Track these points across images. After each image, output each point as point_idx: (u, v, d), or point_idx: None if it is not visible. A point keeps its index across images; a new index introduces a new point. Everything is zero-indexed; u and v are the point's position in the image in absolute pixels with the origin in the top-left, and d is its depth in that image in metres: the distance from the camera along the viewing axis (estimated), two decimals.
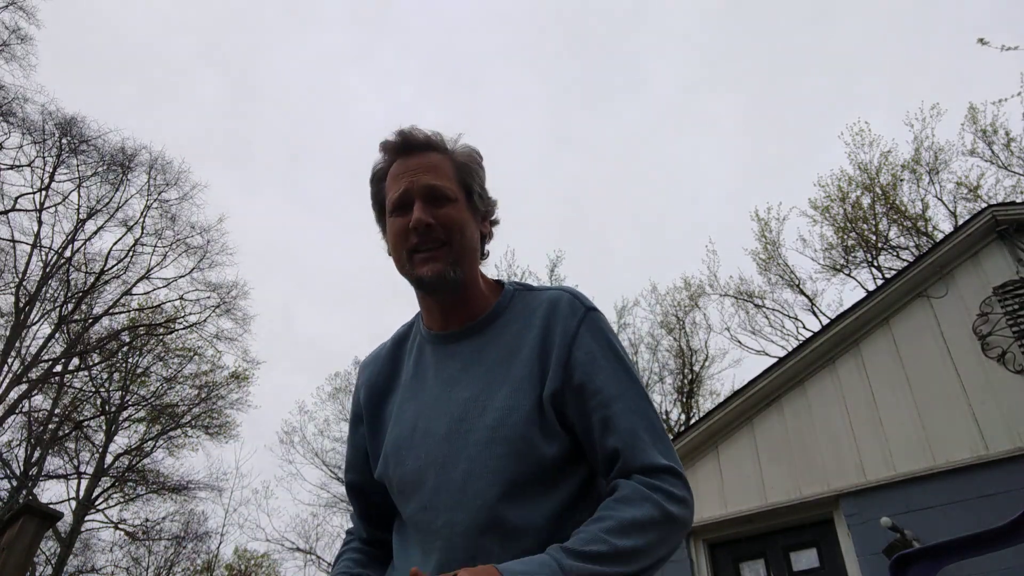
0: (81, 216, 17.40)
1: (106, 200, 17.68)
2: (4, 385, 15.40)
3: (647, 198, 32.63)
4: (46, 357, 16.65)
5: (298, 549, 19.50)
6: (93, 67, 29.47)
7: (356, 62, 37.80)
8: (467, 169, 1.20)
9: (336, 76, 37.34)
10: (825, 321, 14.99)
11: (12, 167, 16.11)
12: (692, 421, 15.64)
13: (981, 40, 7.90)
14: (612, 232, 31.67)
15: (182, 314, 18.51)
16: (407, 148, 1.17)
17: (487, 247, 1.25)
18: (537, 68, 35.28)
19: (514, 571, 0.87)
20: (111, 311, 17.82)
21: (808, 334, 15.55)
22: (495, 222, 1.26)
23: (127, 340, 17.81)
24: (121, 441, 17.81)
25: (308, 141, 35.83)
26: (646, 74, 34.61)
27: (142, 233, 18.07)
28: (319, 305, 34.89)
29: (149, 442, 18.13)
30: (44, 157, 16.62)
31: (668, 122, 34.59)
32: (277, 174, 34.15)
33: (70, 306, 17.07)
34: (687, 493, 1.02)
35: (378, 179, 1.21)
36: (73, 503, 16.29)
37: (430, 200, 1.12)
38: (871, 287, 15.52)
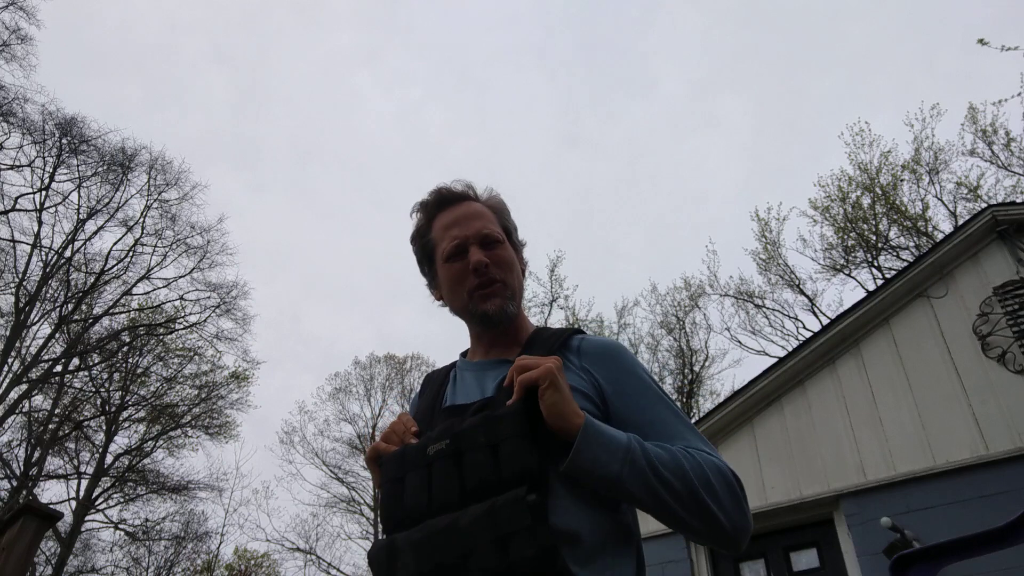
0: (81, 216, 17.41)
1: (106, 200, 17.69)
2: (4, 385, 15.39)
3: (654, 198, 32.68)
4: (46, 357, 16.65)
5: (298, 549, 19.50)
6: (101, 67, 29.53)
7: (365, 63, 37.83)
8: (504, 214, 1.33)
9: (345, 77, 37.41)
10: (825, 321, 15.02)
11: (12, 167, 16.11)
12: (692, 421, 15.56)
13: (981, 40, 7.91)
14: (618, 232, 31.72)
15: (182, 314, 18.52)
16: (449, 200, 1.29)
17: (524, 279, 1.36)
18: (546, 69, 35.31)
19: (595, 423, 0.97)
20: (111, 311, 17.82)
21: (808, 334, 15.57)
22: (525, 264, 1.38)
23: (127, 340, 17.81)
24: (121, 441, 17.83)
25: (317, 141, 35.89)
26: (655, 75, 34.64)
27: (142, 233, 18.08)
28: (326, 305, 34.96)
29: (149, 442, 18.13)
30: (44, 157, 16.62)
31: (676, 123, 34.63)
32: (285, 174, 34.22)
33: (70, 306, 17.07)
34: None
35: (421, 234, 1.31)
36: (73, 503, 16.29)
37: (484, 244, 1.23)
38: (871, 287, 15.54)
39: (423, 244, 1.30)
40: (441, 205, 1.28)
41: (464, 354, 1.34)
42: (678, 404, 1.15)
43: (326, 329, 34.27)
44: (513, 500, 0.89)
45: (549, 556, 0.86)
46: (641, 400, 1.10)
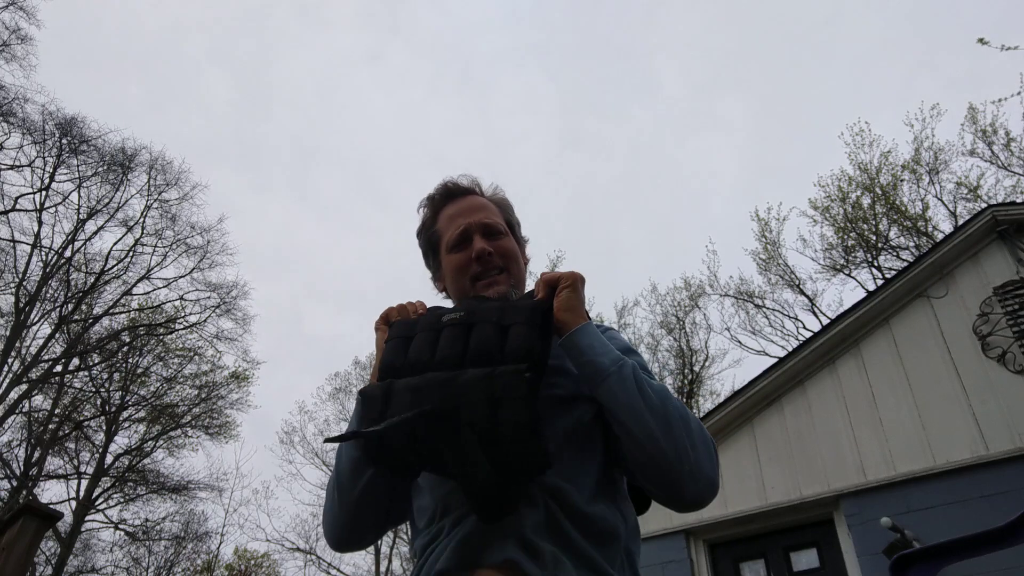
0: (81, 216, 17.42)
1: (106, 200, 17.69)
2: (4, 385, 15.40)
3: (655, 198, 32.69)
4: (46, 357, 16.65)
5: (298, 549, 19.48)
6: (103, 68, 29.54)
7: (367, 63, 37.83)
8: (508, 208, 1.37)
9: (347, 77, 37.40)
10: (825, 321, 15.01)
11: (12, 167, 16.11)
12: None
13: (981, 40, 7.90)
14: (619, 232, 31.72)
15: (182, 314, 18.53)
16: (454, 194, 1.33)
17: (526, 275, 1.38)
18: (547, 69, 35.31)
19: (592, 331, 1.06)
20: (111, 311, 17.83)
21: (808, 334, 15.56)
22: (527, 259, 1.39)
23: (127, 340, 17.81)
24: (121, 441, 17.83)
25: (318, 141, 35.90)
26: (656, 75, 34.65)
27: (142, 233, 18.09)
28: (327, 306, 34.98)
29: (149, 442, 18.13)
30: (44, 157, 16.62)
31: (677, 123, 34.64)
32: (287, 175, 34.24)
33: (70, 306, 17.07)
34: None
35: (427, 227, 1.34)
36: (73, 503, 16.29)
37: (487, 234, 1.26)
38: (871, 287, 15.54)
39: (428, 236, 1.33)
40: (447, 198, 1.32)
41: None
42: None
43: (328, 329, 34.33)
44: (512, 370, 0.93)
45: (532, 429, 0.90)
46: None
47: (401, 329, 1.08)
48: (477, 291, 1.23)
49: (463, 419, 0.90)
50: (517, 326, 1.01)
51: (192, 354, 18.68)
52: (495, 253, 1.24)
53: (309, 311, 34.67)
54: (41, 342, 16.60)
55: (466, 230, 1.25)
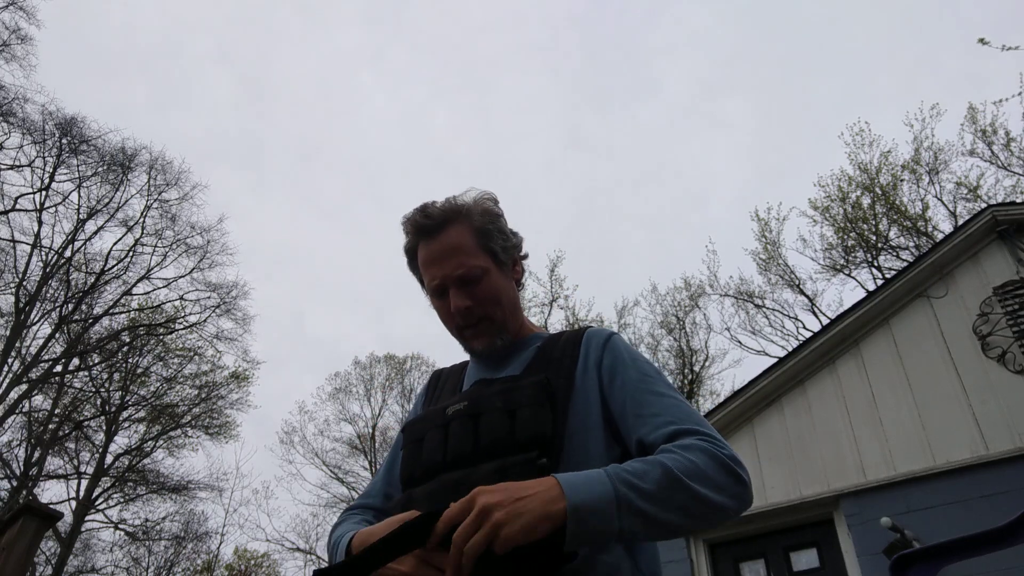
0: (81, 216, 17.42)
1: (106, 200, 17.70)
2: (4, 385, 15.40)
3: (655, 198, 32.69)
4: (46, 357, 16.65)
5: (298, 549, 19.49)
6: (105, 67, 29.55)
7: (370, 62, 37.82)
8: (487, 233, 1.23)
9: (349, 76, 37.40)
10: (825, 321, 15.02)
11: (12, 167, 16.11)
12: None
13: (982, 40, 7.89)
14: (619, 232, 31.73)
15: (182, 314, 18.53)
16: (427, 232, 1.22)
17: (523, 282, 1.34)
18: (550, 69, 35.29)
19: (574, 484, 0.85)
20: (111, 311, 17.83)
21: (808, 334, 15.56)
22: (524, 256, 1.32)
23: (127, 340, 17.81)
24: (121, 441, 17.84)
25: (321, 141, 35.91)
26: (659, 76, 34.64)
27: (142, 233, 18.09)
28: (330, 306, 34.97)
29: (149, 442, 18.14)
30: (44, 157, 16.63)
31: (680, 123, 34.63)
32: (290, 175, 34.22)
33: (70, 306, 17.07)
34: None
35: (410, 255, 1.28)
36: (73, 503, 16.30)
37: (463, 284, 1.19)
38: (871, 287, 15.53)
39: (413, 267, 1.29)
40: (420, 234, 1.23)
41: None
42: (671, 386, 1.14)
43: (329, 329, 34.31)
44: (524, 461, 0.91)
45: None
46: (631, 393, 1.09)
47: (413, 434, 1.09)
48: (465, 341, 1.24)
49: None
50: (524, 408, 0.98)
51: (192, 354, 18.70)
52: (474, 305, 1.20)
53: (312, 312, 34.70)
54: (41, 342, 16.62)
55: (441, 283, 1.20)
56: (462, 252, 1.20)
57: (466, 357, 1.36)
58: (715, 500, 0.91)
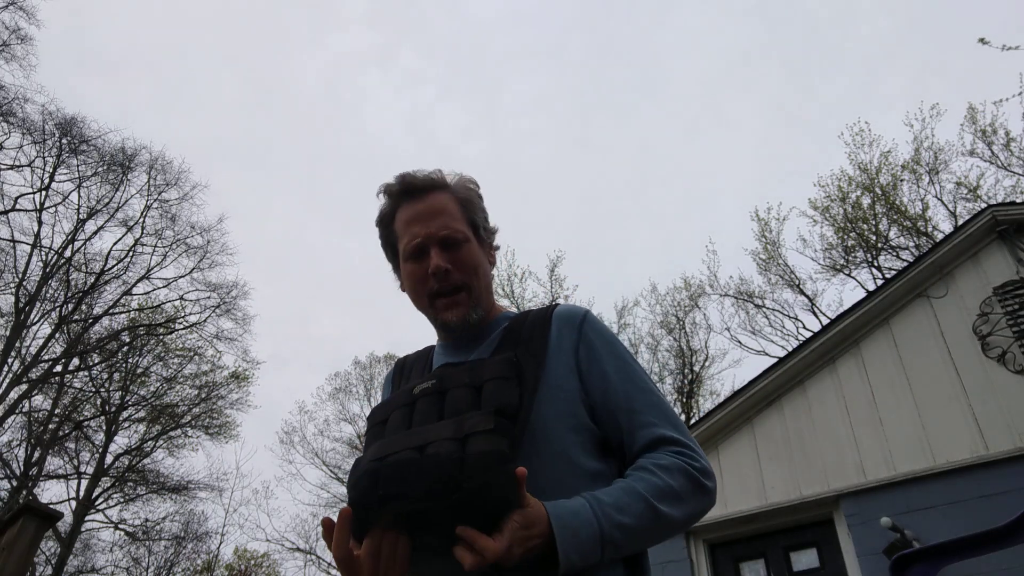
0: (81, 216, 17.42)
1: (106, 200, 17.69)
2: (4, 385, 15.39)
3: (655, 198, 32.70)
4: (46, 357, 16.65)
5: (298, 549, 19.49)
6: (108, 68, 29.54)
7: (376, 63, 37.78)
8: (471, 205, 1.23)
9: (356, 77, 37.38)
10: (825, 321, 15.01)
11: (12, 167, 16.11)
12: (692, 421, 15.63)
13: (982, 40, 7.89)
14: (620, 232, 31.73)
15: (182, 314, 18.53)
16: (411, 192, 1.20)
17: (492, 273, 1.30)
18: (557, 68, 35.25)
19: (560, 516, 0.89)
20: (111, 311, 17.83)
21: (808, 334, 15.56)
22: (497, 248, 1.31)
23: (127, 340, 17.81)
24: (121, 441, 17.83)
25: (327, 141, 35.90)
26: (663, 76, 34.63)
27: (142, 233, 18.09)
28: (334, 306, 34.97)
29: (149, 442, 18.13)
30: (44, 157, 16.63)
31: (687, 123, 34.60)
32: (295, 175, 34.22)
33: (70, 306, 17.07)
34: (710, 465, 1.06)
35: (385, 223, 1.25)
36: (73, 503, 16.29)
37: (445, 246, 1.16)
38: (871, 287, 15.53)
39: (387, 234, 1.26)
40: (404, 195, 1.21)
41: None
42: (645, 372, 1.14)
43: (333, 330, 34.30)
44: (482, 414, 0.91)
45: (501, 457, 0.85)
46: (613, 383, 1.10)
47: (377, 414, 1.05)
48: (436, 311, 1.18)
49: (427, 453, 0.87)
50: (491, 382, 0.97)
51: (192, 354, 18.70)
52: (453, 268, 1.16)
53: (315, 312, 34.70)
54: (41, 342, 16.61)
55: (423, 241, 1.16)
56: (447, 214, 1.19)
57: (431, 341, 1.32)
58: (681, 519, 0.99)
